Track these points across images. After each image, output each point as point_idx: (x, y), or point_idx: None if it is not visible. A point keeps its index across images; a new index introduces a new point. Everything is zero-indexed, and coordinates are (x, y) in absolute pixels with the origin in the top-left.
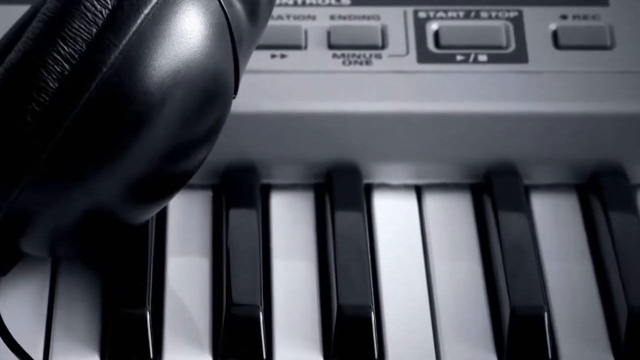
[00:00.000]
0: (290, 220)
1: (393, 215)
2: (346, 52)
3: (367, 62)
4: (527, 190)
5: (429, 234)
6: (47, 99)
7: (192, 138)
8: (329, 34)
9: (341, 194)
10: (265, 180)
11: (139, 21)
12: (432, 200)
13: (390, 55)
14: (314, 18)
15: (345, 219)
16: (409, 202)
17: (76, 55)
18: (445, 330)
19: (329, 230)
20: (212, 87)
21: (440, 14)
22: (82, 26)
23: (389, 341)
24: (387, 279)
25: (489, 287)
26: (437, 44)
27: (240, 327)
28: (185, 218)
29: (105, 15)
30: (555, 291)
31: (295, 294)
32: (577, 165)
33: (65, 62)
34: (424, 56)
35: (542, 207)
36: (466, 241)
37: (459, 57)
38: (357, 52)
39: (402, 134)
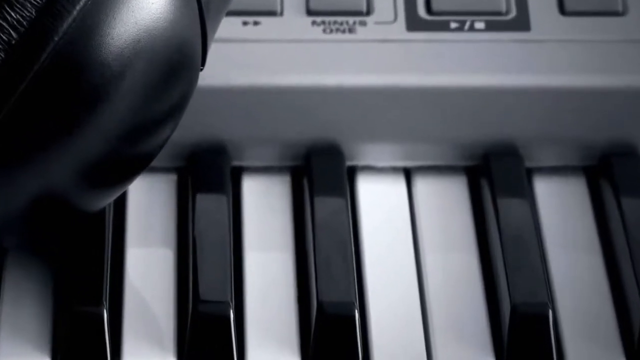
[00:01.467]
0: (264, 207)
1: (379, 202)
2: (327, 18)
3: (351, 30)
4: (529, 173)
5: (419, 223)
6: None
7: (155, 115)
8: None
9: (321, 178)
10: (236, 163)
11: None
12: (423, 185)
13: (376, 23)
14: None
15: (325, 206)
16: (397, 186)
17: (25, 22)
18: (437, 330)
19: (308, 218)
20: (177, 57)
21: None
22: None
23: (374, 342)
24: (372, 273)
25: (486, 282)
26: (429, 9)
27: (208, 327)
28: (147, 204)
29: None
30: (561, 287)
31: (270, 289)
32: (586, 145)
33: (13, 30)
34: (413, 23)
35: (546, 192)
36: (461, 230)
37: (453, 25)
38: (339, 18)
39: (389, 110)
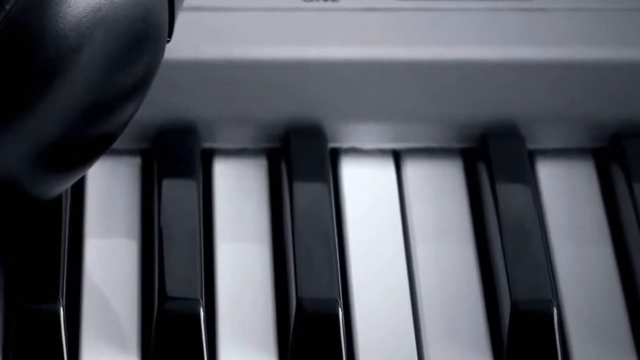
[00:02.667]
0: (238, 193)
1: (365, 188)
2: None
3: None
4: (531, 156)
5: (410, 211)
6: None
7: (117, 91)
8: None
9: (301, 161)
10: (207, 144)
11: None
12: (414, 169)
13: None
14: None
15: (306, 192)
16: (385, 171)
17: None
18: (430, 330)
19: (286, 206)
20: (141, 28)
21: None
22: None
23: (360, 344)
24: (358, 267)
25: (484, 276)
26: None
27: (175, 326)
28: (108, 191)
29: None
30: (567, 282)
31: (245, 285)
32: (594, 125)
33: None
34: None
35: (550, 177)
36: (456, 220)
37: None
38: None
39: (376, 86)
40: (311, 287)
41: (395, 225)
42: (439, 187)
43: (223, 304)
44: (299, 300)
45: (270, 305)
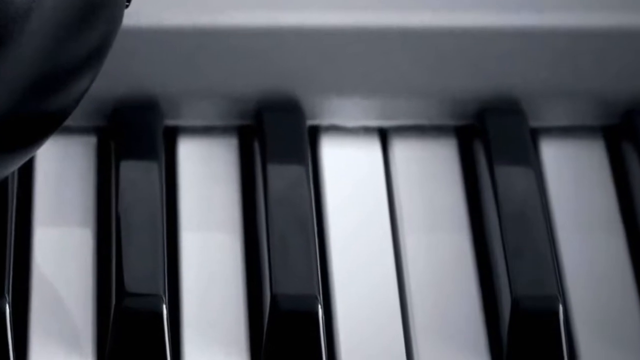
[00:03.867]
0: (206, 176)
1: (348, 170)
2: None
3: None
4: (534, 134)
5: (398, 196)
6: None
7: (69, 62)
8: None
9: (276, 141)
10: (170, 122)
11: None
12: (402, 149)
13: None
14: None
15: (281, 175)
16: (371, 151)
17: None
18: (421, 329)
19: (260, 190)
20: None
21: None
22: None
23: (342, 345)
24: (340, 259)
25: (481, 270)
26: None
27: (135, 325)
28: (59, 174)
29: None
30: (574, 276)
31: (213, 279)
32: (604, 100)
33: None
34: None
35: (555, 158)
36: (450, 206)
37: None
38: None
39: (361, 56)
40: (287, 282)
41: (382, 212)
42: (430, 170)
43: (188, 300)
44: (273, 297)
45: (241, 302)
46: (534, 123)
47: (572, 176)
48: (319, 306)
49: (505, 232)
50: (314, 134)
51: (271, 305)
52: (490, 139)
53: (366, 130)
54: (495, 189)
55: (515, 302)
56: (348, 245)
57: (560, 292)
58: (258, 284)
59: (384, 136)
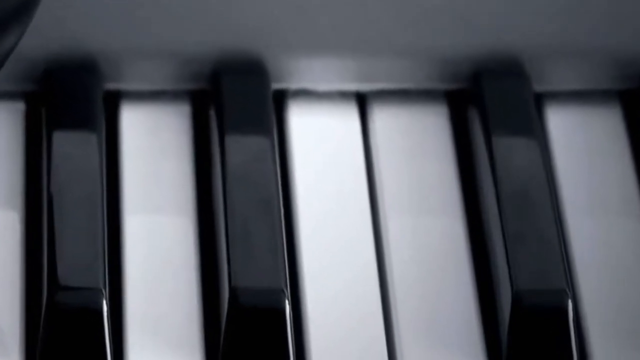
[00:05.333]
0: (153, 149)
1: (321, 142)
2: None
3: None
4: (539, 100)
5: (379, 173)
6: None
7: None
8: None
9: (236, 108)
10: (111, 85)
11: None
12: (384, 117)
13: None
14: None
15: (242, 148)
16: (347, 119)
17: None
18: (405, 327)
19: (217, 165)
20: None
21: None
22: None
23: (313, 346)
24: (310, 247)
25: (476, 259)
26: None
27: (70, 323)
28: None
29: None
30: (586, 266)
31: (162, 269)
32: (621, 60)
33: None
34: None
35: (564, 128)
36: (440, 184)
37: None
38: None
39: (335, 8)
40: (249, 274)
41: (360, 192)
42: (417, 142)
43: (133, 295)
44: (232, 291)
45: (194, 296)
46: (538, 87)
47: (583, 149)
48: (286, 301)
49: (504, 215)
50: (280, 99)
51: (230, 300)
52: (487, 105)
53: (341, 95)
54: (493, 164)
55: (516, 297)
56: (320, 231)
57: (569, 286)
58: (215, 275)
59: (362, 102)
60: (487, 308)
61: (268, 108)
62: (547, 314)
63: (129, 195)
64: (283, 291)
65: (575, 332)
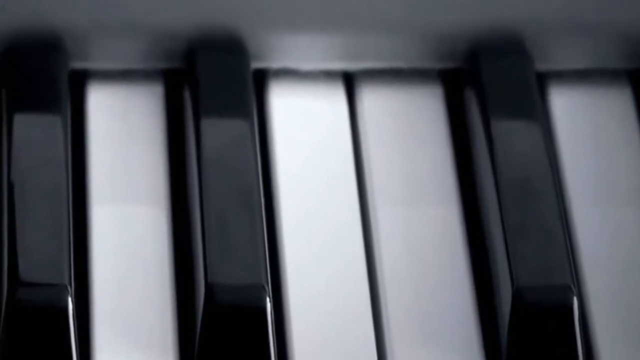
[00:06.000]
0: (123, 133)
1: (305, 126)
2: None
3: None
4: (542, 80)
5: (367, 158)
6: None
7: None
8: None
9: (212, 89)
10: (77, 64)
11: None
12: (373, 99)
13: None
14: None
15: (219, 133)
16: (334, 101)
17: None
18: (396, 326)
19: (191, 151)
20: None
21: None
22: None
23: (295, 346)
24: (293, 240)
25: (474, 252)
26: None
27: (33, 321)
28: None
29: None
30: (592, 261)
31: (132, 264)
32: (631, 37)
33: None
34: None
35: (569, 110)
36: (434, 171)
37: None
38: None
39: None
40: (226, 269)
41: (348, 180)
42: (409, 126)
43: (101, 291)
44: (208, 287)
45: (167, 293)
46: (541, 66)
47: (590, 133)
48: (267, 299)
49: (504, 205)
50: (261, 79)
51: (206, 298)
52: (485, 86)
53: (327, 75)
54: (491, 149)
55: (517, 294)
56: (304, 223)
57: (574, 282)
58: (189, 270)
59: (349, 82)
60: (486, 306)
61: (247, 89)
62: (551, 312)
63: (97, 184)
64: (264, 287)
65: (581, 332)
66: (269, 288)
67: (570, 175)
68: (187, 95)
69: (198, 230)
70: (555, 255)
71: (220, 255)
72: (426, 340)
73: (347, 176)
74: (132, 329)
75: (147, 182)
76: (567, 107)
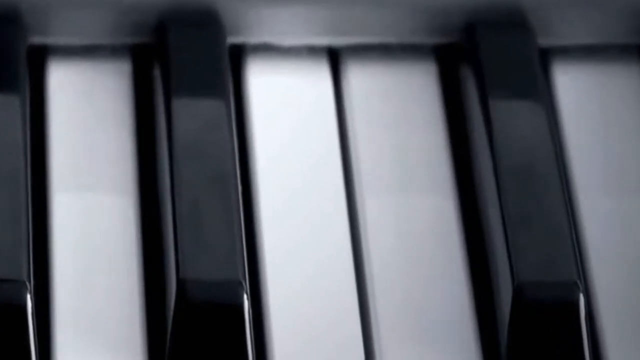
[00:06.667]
0: (86, 114)
1: (286, 106)
2: None
3: None
4: (545, 56)
5: (354, 142)
6: None
7: None
8: None
9: (185, 66)
10: (37, 39)
11: None
12: (361, 77)
13: None
14: None
15: (192, 114)
16: (317, 79)
17: None
18: (386, 325)
19: (161, 134)
20: None
21: None
22: None
23: (276, 347)
24: (273, 231)
25: (470, 245)
26: None
27: None
28: None
29: None
30: (600, 255)
31: (96, 258)
32: None
33: None
34: None
35: (574, 89)
36: (427, 155)
37: None
38: None
39: None
40: (200, 263)
41: (333, 165)
42: (400, 106)
43: (63, 287)
44: (180, 283)
45: (136, 289)
46: (544, 41)
47: (597, 114)
48: (244, 296)
49: (504, 193)
50: (238, 56)
51: (177, 295)
52: (483, 63)
53: (310, 51)
54: (490, 132)
55: (518, 290)
56: (285, 213)
57: (580, 277)
58: (159, 265)
59: (335, 59)
60: (483, 304)
61: (223, 66)
62: (555, 310)
63: (58, 171)
64: (241, 283)
65: (587, 332)
66: (246, 284)
67: (576, 160)
68: (157, 73)
69: (169, 222)
70: (560, 248)
71: (193, 248)
72: (418, 340)
73: (332, 162)
74: (96, 328)
75: (114, 168)
76: (572, 86)
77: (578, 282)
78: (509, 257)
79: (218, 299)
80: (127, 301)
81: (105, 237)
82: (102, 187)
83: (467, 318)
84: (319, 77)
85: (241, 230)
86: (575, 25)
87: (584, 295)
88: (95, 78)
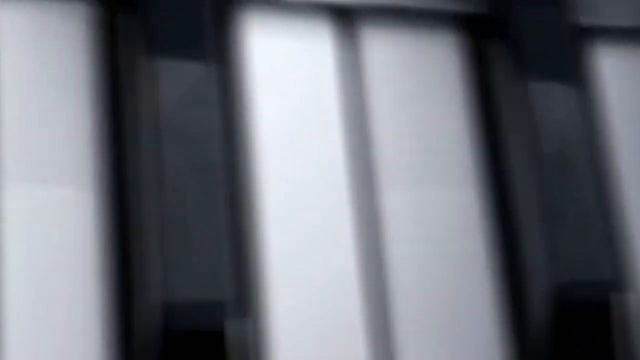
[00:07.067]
0: (43, 74)
1: (288, 73)
2: None
3: None
4: (585, 36)
5: (367, 120)
6: None
7: None
8: None
9: (168, 21)
10: None
11: None
12: (376, 45)
13: None
14: None
15: (176, 79)
16: (324, 44)
17: None
18: (405, 321)
19: (132, 105)
20: None
21: None
22: None
23: (279, 349)
24: (272, 230)
25: (499, 241)
26: None
27: None
28: None
29: None
30: None
31: (55, 264)
32: None
33: None
34: None
35: (616, 71)
36: (450, 139)
37: None
38: None
39: None
40: (177, 279)
41: (341, 148)
42: (419, 80)
43: (13, 300)
44: (164, 306)
45: (97, 298)
46: (584, 19)
47: None
48: (226, 320)
49: (539, 185)
50: (233, 12)
51: (163, 309)
52: (514, 38)
53: (316, 9)
54: (521, 116)
55: (554, 292)
56: (284, 207)
57: (620, 277)
58: (126, 269)
59: (345, 21)
60: (514, 306)
61: (209, 22)
62: (593, 311)
63: (10, 156)
64: (222, 304)
65: (627, 335)
66: (236, 303)
67: (618, 149)
68: (131, 25)
69: (140, 220)
70: (599, 244)
71: (176, 254)
72: (439, 339)
73: (339, 143)
74: (51, 350)
75: (76, 149)
76: (614, 67)
77: (617, 281)
78: (545, 255)
79: (200, 324)
80: (88, 312)
81: (66, 236)
82: (60, 176)
83: (494, 323)
84: (326, 41)
85: (227, 241)
86: (619, 4)
87: (623, 296)
88: (47, 28)
